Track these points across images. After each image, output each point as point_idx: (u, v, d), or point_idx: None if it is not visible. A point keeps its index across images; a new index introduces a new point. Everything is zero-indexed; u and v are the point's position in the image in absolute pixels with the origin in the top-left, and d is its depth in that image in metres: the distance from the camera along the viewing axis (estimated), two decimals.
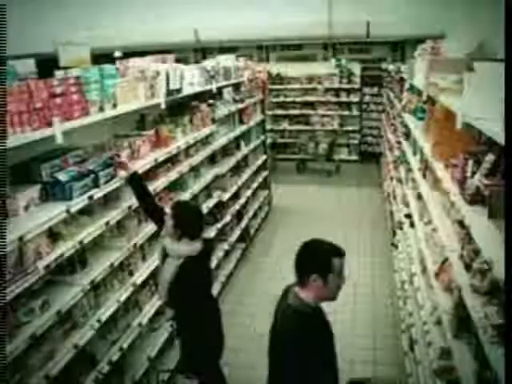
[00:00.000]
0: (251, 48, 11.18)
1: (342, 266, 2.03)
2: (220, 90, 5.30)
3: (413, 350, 3.48)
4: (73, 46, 3.40)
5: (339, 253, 2.03)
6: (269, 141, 8.43)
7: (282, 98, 11.14)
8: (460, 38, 3.64)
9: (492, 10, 3.20)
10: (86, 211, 2.76)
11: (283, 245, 6.44)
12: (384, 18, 6.93)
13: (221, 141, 5.14)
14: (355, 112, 11.01)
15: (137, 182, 3.06)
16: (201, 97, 4.82)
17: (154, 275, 3.52)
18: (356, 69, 10.71)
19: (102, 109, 2.75)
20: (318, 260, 2.01)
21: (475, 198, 2.29)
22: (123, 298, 3.07)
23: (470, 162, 2.41)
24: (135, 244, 3.20)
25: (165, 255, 2.90)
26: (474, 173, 2.36)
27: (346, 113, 11.02)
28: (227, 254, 5.49)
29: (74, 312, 2.66)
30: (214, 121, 4.85)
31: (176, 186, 4.03)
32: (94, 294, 2.83)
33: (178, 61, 4.46)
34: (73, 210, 2.50)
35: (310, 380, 1.97)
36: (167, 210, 3.02)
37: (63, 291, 2.58)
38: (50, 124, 2.29)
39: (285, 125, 11.32)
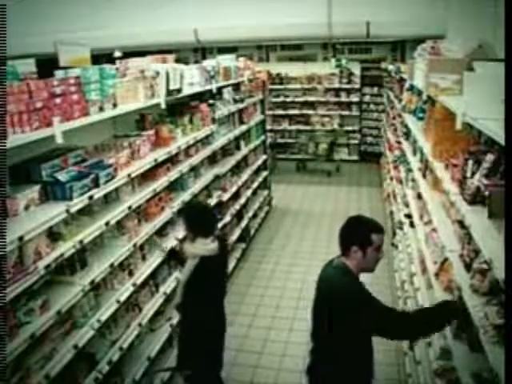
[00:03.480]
0: (251, 48, 11.18)
1: (381, 242, 2.22)
2: (220, 89, 5.30)
3: (413, 350, 3.48)
4: (73, 45, 3.40)
5: (379, 229, 2.22)
6: (269, 141, 8.43)
7: (281, 98, 11.14)
8: (460, 38, 3.64)
9: (492, 9, 3.20)
10: (86, 211, 2.76)
11: (283, 244, 6.45)
12: (384, 18, 6.92)
13: (221, 141, 5.13)
14: (355, 112, 11.01)
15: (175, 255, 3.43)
16: (201, 97, 4.82)
17: (154, 275, 3.52)
18: (356, 69, 10.71)
19: (101, 109, 2.75)
20: (359, 234, 2.21)
21: (475, 198, 2.29)
22: (123, 298, 3.06)
23: (470, 162, 2.41)
24: (135, 244, 3.20)
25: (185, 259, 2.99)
26: (473, 173, 2.36)
27: (346, 113, 11.02)
28: None
29: (74, 312, 2.66)
30: (214, 121, 4.85)
31: (176, 186, 4.03)
32: (93, 294, 2.83)
33: (177, 61, 4.46)
34: (73, 210, 2.50)
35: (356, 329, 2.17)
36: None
37: (63, 291, 2.57)
38: (49, 124, 2.29)
39: (285, 125, 11.32)
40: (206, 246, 2.84)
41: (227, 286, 3.49)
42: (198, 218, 2.97)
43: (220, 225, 5.04)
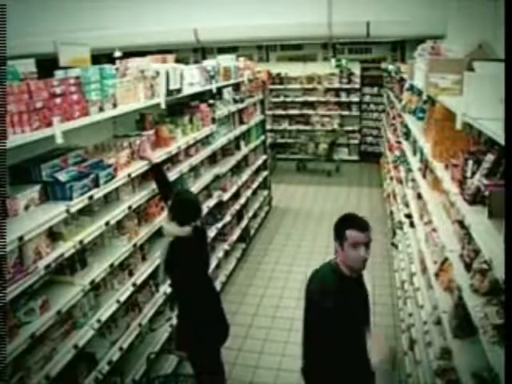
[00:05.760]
0: (251, 48, 11.18)
1: (357, 239, 2.16)
2: (220, 89, 5.30)
3: (413, 350, 3.48)
4: (73, 45, 3.39)
5: (356, 226, 2.19)
6: (269, 141, 8.43)
7: (282, 98, 11.15)
8: (460, 38, 3.64)
9: (492, 10, 3.20)
10: (86, 211, 2.76)
11: (283, 245, 6.45)
12: (384, 18, 6.92)
13: (221, 141, 5.14)
14: (355, 112, 11.01)
15: (159, 172, 3.42)
16: (201, 97, 4.82)
17: (153, 275, 3.52)
18: (356, 69, 10.72)
19: (101, 109, 2.75)
20: (337, 229, 2.26)
21: (475, 198, 2.29)
22: (123, 298, 3.07)
23: (470, 162, 2.42)
24: (135, 244, 3.20)
25: None
26: (473, 173, 2.37)
27: (346, 113, 11.02)
28: (227, 253, 5.48)
29: (74, 312, 2.66)
30: (214, 121, 4.85)
31: (176, 186, 4.02)
32: (93, 294, 2.83)
33: (177, 61, 4.46)
34: (73, 210, 2.50)
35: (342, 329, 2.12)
36: None
37: (63, 291, 2.57)
38: (50, 124, 2.29)
39: (285, 125, 11.33)
40: (179, 228, 2.89)
41: (210, 265, 3.58)
42: (184, 207, 2.99)
43: (220, 225, 5.05)
